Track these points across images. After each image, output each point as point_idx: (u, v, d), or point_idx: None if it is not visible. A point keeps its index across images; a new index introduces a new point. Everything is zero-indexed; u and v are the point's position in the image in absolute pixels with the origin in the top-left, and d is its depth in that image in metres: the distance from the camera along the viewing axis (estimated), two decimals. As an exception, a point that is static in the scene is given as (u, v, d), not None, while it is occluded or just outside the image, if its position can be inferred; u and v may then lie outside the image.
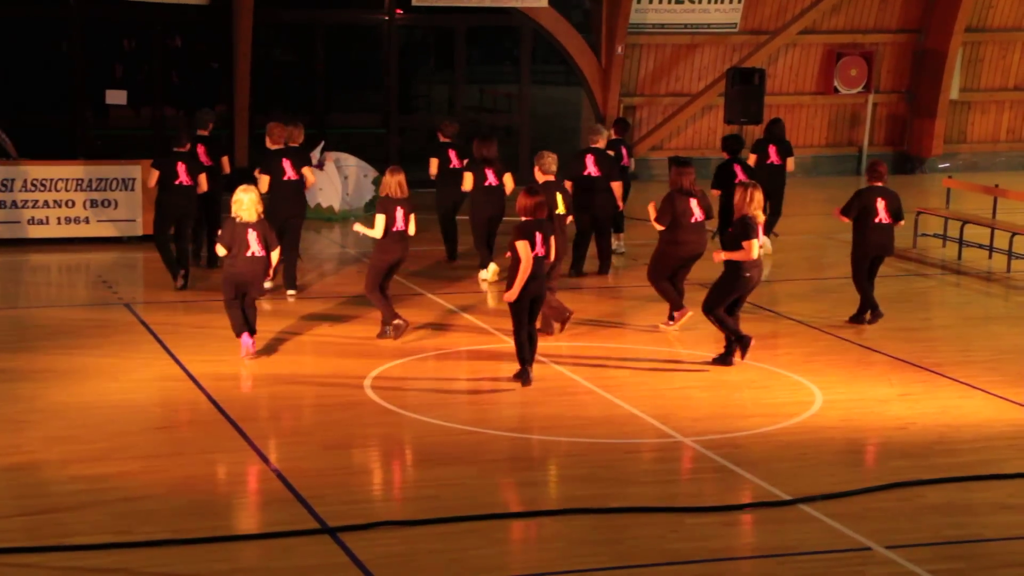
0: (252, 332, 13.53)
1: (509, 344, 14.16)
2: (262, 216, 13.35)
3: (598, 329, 14.86)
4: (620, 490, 10.25)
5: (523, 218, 12.51)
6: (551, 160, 14.94)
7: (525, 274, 12.29)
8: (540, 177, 14.80)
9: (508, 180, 17.17)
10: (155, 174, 16.48)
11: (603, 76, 26.05)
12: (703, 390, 12.81)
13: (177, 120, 24.16)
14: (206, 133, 17.54)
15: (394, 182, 13.96)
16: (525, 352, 12.60)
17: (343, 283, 17.24)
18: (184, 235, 16.82)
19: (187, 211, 16.68)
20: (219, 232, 13.53)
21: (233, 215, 13.23)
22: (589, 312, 15.45)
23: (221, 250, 13.28)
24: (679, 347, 14.30)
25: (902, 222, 15.01)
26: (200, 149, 17.19)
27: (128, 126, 25.04)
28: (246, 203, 13.15)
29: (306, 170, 16.16)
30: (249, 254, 13.17)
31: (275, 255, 13.41)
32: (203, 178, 16.60)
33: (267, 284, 14.90)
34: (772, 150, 19.48)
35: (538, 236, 12.38)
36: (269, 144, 16.37)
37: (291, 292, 16.14)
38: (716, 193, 18.05)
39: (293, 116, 21.09)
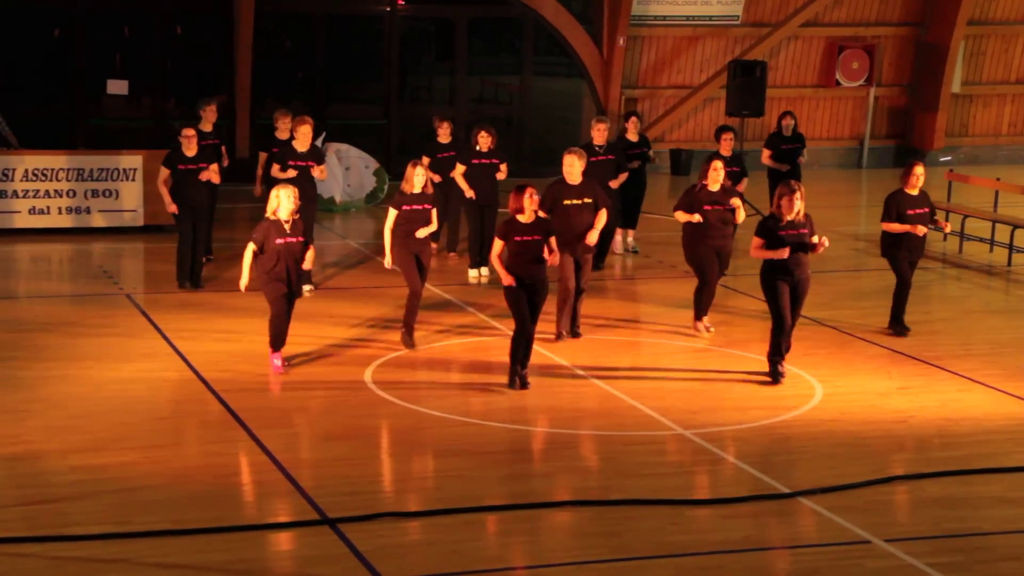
0: (281, 345, 12.79)
1: (507, 334, 14.18)
2: (297, 215, 12.62)
3: (596, 321, 14.84)
4: (619, 482, 10.25)
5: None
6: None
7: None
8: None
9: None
10: (165, 172, 15.82)
11: (605, 68, 26.04)
12: (703, 383, 12.81)
13: (180, 111, 24.17)
14: (207, 128, 17.28)
15: None
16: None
17: (345, 274, 17.24)
18: (201, 228, 15.95)
19: (202, 200, 15.90)
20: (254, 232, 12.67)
21: (270, 213, 12.51)
22: (587, 307, 15.44)
23: (248, 254, 12.50)
24: (678, 339, 14.30)
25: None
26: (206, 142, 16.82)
27: (129, 115, 25.03)
28: (285, 201, 12.43)
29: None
30: (289, 256, 12.46)
31: (310, 254, 12.73)
32: (215, 168, 15.97)
33: (306, 288, 14.55)
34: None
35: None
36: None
37: (308, 287, 15.81)
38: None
39: (291, 106, 20.91)
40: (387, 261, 13.60)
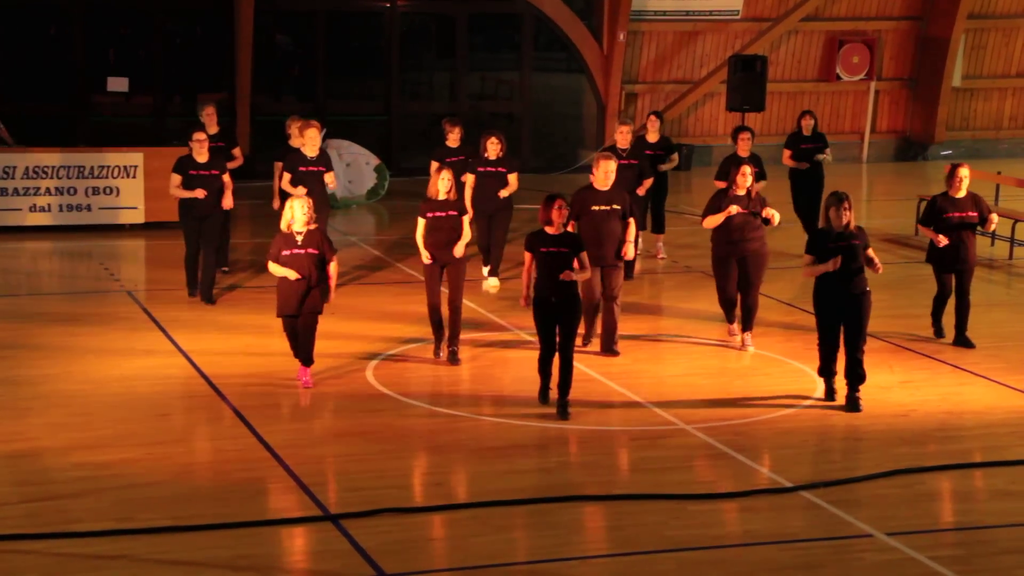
0: (305, 363, 12.29)
1: (510, 332, 14.17)
2: (314, 225, 12.25)
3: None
4: (622, 477, 10.25)
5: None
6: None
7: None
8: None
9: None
10: (177, 178, 15.28)
11: (605, 63, 26.02)
12: (705, 377, 12.81)
13: (180, 109, 24.19)
14: (213, 130, 17.02)
15: None
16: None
17: (347, 272, 17.22)
18: (211, 239, 15.40)
19: (211, 210, 15.36)
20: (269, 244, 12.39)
21: (284, 226, 12.15)
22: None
23: (275, 268, 12.15)
24: (681, 335, 14.29)
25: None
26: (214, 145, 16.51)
27: (129, 113, 25.03)
28: (298, 211, 12.04)
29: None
30: (298, 269, 12.06)
31: (334, 267, 12.29)
32: (227, 178, 15.47)
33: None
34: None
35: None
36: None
37: None
38: (720, 184, 17.81)
39: (285, 101, 20.78)
40: (424, 257, 13.05)
